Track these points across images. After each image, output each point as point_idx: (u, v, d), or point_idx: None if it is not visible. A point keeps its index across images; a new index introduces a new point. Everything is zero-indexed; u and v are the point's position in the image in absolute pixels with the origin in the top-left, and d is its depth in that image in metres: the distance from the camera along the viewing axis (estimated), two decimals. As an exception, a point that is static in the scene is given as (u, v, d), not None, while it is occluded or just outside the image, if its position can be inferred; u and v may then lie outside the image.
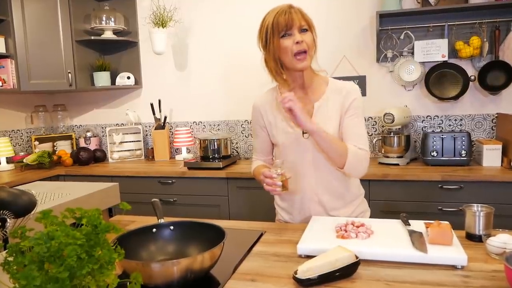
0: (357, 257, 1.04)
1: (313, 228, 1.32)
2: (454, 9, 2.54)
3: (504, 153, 2.39)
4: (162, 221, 1.23)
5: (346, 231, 1.24)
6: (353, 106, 1.44)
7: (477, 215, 1.24)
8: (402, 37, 2.69)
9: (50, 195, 1.36)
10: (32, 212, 1.00)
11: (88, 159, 3.09)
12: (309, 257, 1.15)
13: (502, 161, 2.39)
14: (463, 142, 2.43)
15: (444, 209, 2.28)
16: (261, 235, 1.37)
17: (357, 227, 1.26)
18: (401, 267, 1.08)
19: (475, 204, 1.29)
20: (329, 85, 1.48)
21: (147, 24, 3.05)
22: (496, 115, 2.61)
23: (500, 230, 1.19)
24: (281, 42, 1.36)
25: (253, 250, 1.24)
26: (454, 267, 1.06)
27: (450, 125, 2.75)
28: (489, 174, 2.23)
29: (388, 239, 1.20)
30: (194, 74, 3.24)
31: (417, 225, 1.30)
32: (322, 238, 1.23)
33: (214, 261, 1.02)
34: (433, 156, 2.48)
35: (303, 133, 1.45)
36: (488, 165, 2.41)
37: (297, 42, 1.33)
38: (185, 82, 3.26)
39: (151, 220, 1.34)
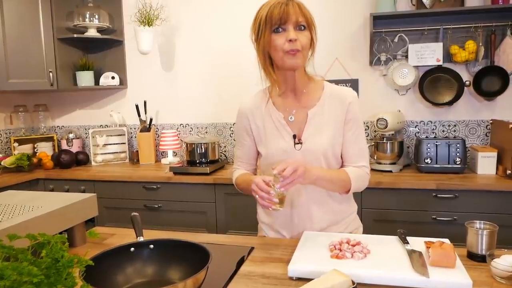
0: (354, 283, 0.95)
1: (305, 245, 1.23)
2: (449, 12, 2.48)
3: (499, 160, 2.33)
4: (141, 239, 1.13)
5: (341, 250, 1.15)
6: (353, 118, 1.33)
7: (480, 234, 1.16)
8: (396, 40, 2.62)
9: (20, 207, 1.25)
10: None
11: (70, 162, 2.96)
12: (301, 279, 1.06)
13: (497, 169, 2.33)
14: (458, 149, 2.37)
15: (438, 218, 2.21)
16: (249, 251, 1.28)
17: (353, 245, 1.17)
18: (401, 292, 1.00)
19: (477, 221, 1.22)
20: (325, 90, 1.35)
21: (132, 22, 2.93)
22: (491, 121, 2.55)
23: (505, 250, 1.12)
24: (273, 37, 1.22)
25: (241, 271, 1.14)
26: (458, 293, 0.98)
27: (443, 131, 2.69)
28: (484, 182, 2.17)
29: (386, 260, 1.11)
30: (181, 74, 3.12)
31: (416, 243, 1.22)
32: (315, 257, 1.14)
33: (197, 287, 0.93)
34: (427, 163, 2.41)
35: (294, 143, 1.33)
36: (483, 173, 2.35)
37: (290, 40, 1.19)
38: (172, 83, 3.15)
39: (131, 234, 1.23)
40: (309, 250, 1.19)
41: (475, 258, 1.17)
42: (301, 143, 1.32)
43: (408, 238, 1.24)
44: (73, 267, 0.62)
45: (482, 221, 1.21)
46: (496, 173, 2.33)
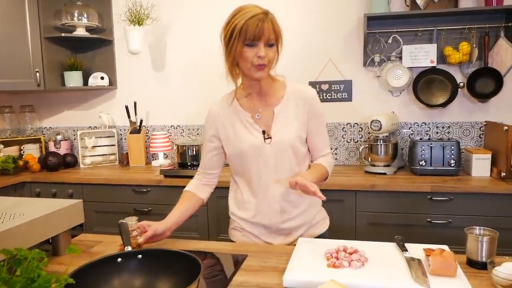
0: (352, 294, 0.91)
1: (300, 253, 1.19)
2: (443, 13, 2.46)
3: (493, 162, 2.32)
4: (129, 248, 1.08)
5: (337, 258, 1.11)
6: (315, 112, 1.42)
7: (480, 240, 1.13)
8: (390, 41, 2.60)
9: (0, 215, 1.19)
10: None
11: (58, 165, 2.89)
12: (296, 290, 1.02)
13: (491, 171, 2.32)
14: (452, 151, 2.35)
15: (433, 221, 2.19)
16: (243, 259, 1.23)
17: (350, 254, 1.13)
18: (401, 304, 0.96)
19: (477, 227, 1.19)
20: (287, 89, 1.44)
21: (122, 22, 2.86)
22: (485, 123, 2.54)
23: (507, 257, 1.08)
24: (244, 49, 1.28)
25: (234, 281, 1.10)
26: (460, 304, 0.95)
27: (437, 133, 2.67)
28: (479, 185, 2.15)
29: (385, 269, 1.08)
30: (173, 75, 3.06)
31: (414, 249, 1.18)
32: (311, 266, 1.10)
33: (188, 301, 0.88)
34: (421, 165, 2.38)
35: (265, 139, 1.38)
36: (477, 175, 2.33)
37: (259, 56, 1.27)
38: (162, 83, 3.09)
39: (119, 241, 1.18)
40: (304, 259, 1.15)
41: (475, 266, 1.14)
42: (270, 138, 1.38)
43: (407, 245, 1.20)
44: (50, 286, 0.57)
45: (481, 227, 1.18)
46: (491, 175, 2.31)
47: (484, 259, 1.13)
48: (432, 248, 1.13)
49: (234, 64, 1.34)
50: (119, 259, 1.02)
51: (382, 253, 1.17)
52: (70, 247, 0.67)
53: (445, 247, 1.18)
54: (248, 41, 1.26)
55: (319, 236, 1.48)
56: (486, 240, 1.13)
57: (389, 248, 1.22)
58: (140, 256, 1.03)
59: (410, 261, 1.10)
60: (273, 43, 1.29)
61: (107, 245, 1.39)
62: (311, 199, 1.44)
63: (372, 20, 2.54)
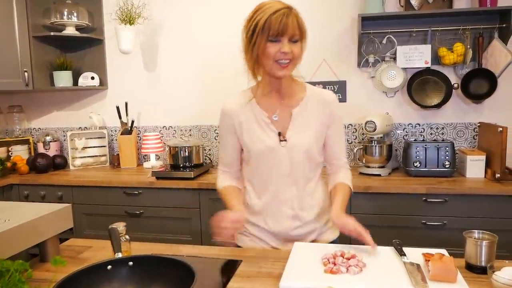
0: (351, 302, 0.88)
1: (296, 258, 1.16)
2: (437, 14, 2.45)
3: (487, 164, 2.31)
4: (119, 255, 1.04)
5: (335, 264, 1.08)
6: (336, 117, 1.40)
7: (479, 245, 1.11)
8: (384, 41, 2.58)
9: (-15, 221, 1.14)
10: None
11: (47, 166, 2.82)
12: (293, 297, 0.99)
13: (485, 172, 2.31)
14: (447, 152, 2.34)
15: (428, 223, 2.17)
16: (237, 264, 1.20)
17: (348, 259, 1.10)
18: (401, 311, 0.93)
19: (476, 231, 1.17)
20: (307, 91, 1.40)
21: (113, 21, 2.81)
22: (479, 124, 2.53)
23: (507, 262, 1.06)
24: (267, 46, 1.22)
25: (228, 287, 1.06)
26: (461, 311, 0.92)
27: (431, 134, 2.66)
28: (474, 186, 2.14)
29: (384, 274, 1.05)
30: (165, 75, 3.02)
31: (412, 253, 1.16)
32: (308, 272, 1.07)
33: (181, 310, 0.84)
34: (416, 166, 2.37)
35: (280, 141, 1.33)
36: (472, 176, 2.32)
37: (283, 52, 1.21)
38: (154, 84, 3.04)
39: (110, 247, 1.14)
40: (301, 264, 1.12)
41: (474, 270, 1.12)
42: (285, 140, 1.34)
43: (405, 249, 1.18)
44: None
45: (480, 231, 1.16)
46: (485, 177, 2.31)
47: (483, 264, 1.11)
48: (431, 253, 1.11)
49: (255, 61, 1.28)
50: (109, 267, 0.98)
51: (380, 258, 1.14)
52: (56, 259, 0.63)
53: (444, 251, 1.16)
54: (271, 37, 1.21)
55: (330, 243, 1.41)
56: (486, 244, 1.11)
57: (387, 252, 1.19)
58: (131, 263, 1.00)
59: (409, 266, 1.08)
60: (297, 39, 1.23)
61: (97, 250, 1.34)
62: (323, 205, 1.42)
63: (366, 21, 2.52)
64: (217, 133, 2.96)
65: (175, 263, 0.97)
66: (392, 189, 2.20)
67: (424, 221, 2.18)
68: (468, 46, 2.46)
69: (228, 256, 1.28)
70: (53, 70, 2.97)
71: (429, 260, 1.05)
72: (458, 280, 1.00)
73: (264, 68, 1.29)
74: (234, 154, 1.44)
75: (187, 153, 2.61)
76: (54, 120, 3.26)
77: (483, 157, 2.30)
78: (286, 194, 1.36)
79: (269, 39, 1.21)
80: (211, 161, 2.91)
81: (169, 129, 3.06)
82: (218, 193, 1.46)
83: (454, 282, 0.99)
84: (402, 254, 1.15)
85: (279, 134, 1.34)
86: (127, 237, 1.21)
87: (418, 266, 1.08)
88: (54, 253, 1.23)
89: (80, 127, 3.21)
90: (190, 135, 3.01)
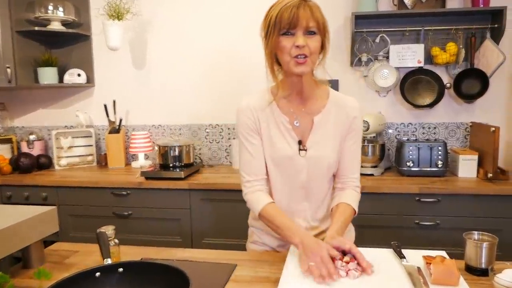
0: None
1: (293, 262, 1.11)
2: (430, 13, 2.44)
3: (479, 163, 2.31)
4: (109, 261, 0.98)
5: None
6: (356, 129, 1.29)
7: (479, 246, 1.09)
8: (377, 40, 2.56)
9: (-36, 225, 1.07)
10: None
11: (31, 166, 2.73)
12: (292, 304, 0.95)
13: (477, 172, 2.31)
14: (440, 152, 2.33)
15: (421, 223, 2.16)
16: (232, 269, 1.15)
17: (347, 262, 1.06)
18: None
19: (476, 232, 1.14)
20: (330, 98, 1.28)
21: (101, 16, 2.73)
22: (470, 124, 2.53)
23: (508, 263, 1.04)
24: (280, 40, 1.14)
25: (223, 294, 1.02)
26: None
27: (423, 133, 2.65)
28: (467, 186, 2.14)
29: (384, 278, 1.02)
30: (154, 73, 2.95)
31: (412, 256, 1.13)
32: (306, 277, 1.03)
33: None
34: (408, 166, 2.36)
35: (299, 149, 1.24)
36: (464, 175, 2.32)
37: (298, 46, 1.12)
38: (143, 81, 2.97)
39: (98, 251, 1.08)
40: (298, 269, 1.08)
41: (474, 272, 1.10)
42: (305, 150, 1.25)
43: (404, 251, 1.15)
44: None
45: (480, 232, 1.14)
46: (477, 176, 2.30)
47: (483, 266, 1.09)
48: (432, 256, 1.08)
49: (273, 59, 1.20)
50: (98, 274, 0.93)
51: (379, 261, 1.11)
52: (40, 271, 0.58)
53: (443, 253, 1.13)
54: (283, 30, 1.13)
55: None
56: (486, 246, 1.09)
57: (386, 255, 1.16)
58: (121, 269, 0.94)
59: (410, 269, 1.05)
60: (314, 31, 1.13)
61: (85, 255, 1.29)
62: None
63: (359, 19, 2.50)
64: (207, 132, 2.91)
65: (168, 269, 0.92)
66: (385, 189, 2.18)
67: (417, 221, 2.17)
68: (461, 46, 2.45)
69: (221, 259, 1.23)
70: (38, 67, 2.87)
71: (430, 263, 1.03)
72: (460, 283, 0.97)
73: (282, 66, 1.20)
74: (262, 158, 1.28)
75: (177, 153, 2.55)
76: (39, 119, 3.16)
77: (476, 157, 2.30)
78: (300, 206, 1.30)
79: (281, 33, 1.13)
80: (201, 160, 2.85)
81: (158, 128, 2.99)
82: (259, 216, 1.25)
83: (457, 286, 0.96)
84: (401, 256, 1.12)
85: (299, 142, 1.26)
86: (116, 241, 1.15)
87: (418, 269, 1.05)
88: (38, 258, 1.17)
89: (66, 126, 3.12)
90: (180, 134, 2.95)
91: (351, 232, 1.44)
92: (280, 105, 1.27)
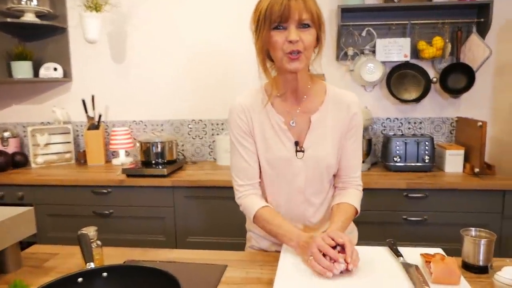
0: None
1: (286, 263, 1.06)
2: (416, 7, 2.42)
3: (466, 158, 2.31)
4: (91, 265, 0.91)
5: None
6: (356, 125, 1.22)
7: (477, 243, 1.06)
8: (363, 34, 2.53)
9: None
10: None
11: (5, 165, 2.60)
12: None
13: (464, 167, 2.31)
14: (427, 147, 2.32)
15: (409, 218, 2.15)
16: (222, 270, 1.10)
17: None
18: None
19: (473, 229, 1.12)
20: (328, 94, 1.21)
21: (77, 7, 2.62)
22: (456, 118, 2.54)
23: (508, 260, 1.02)
24: (271, 35, 1.06)
25: (215, 298, 0.96)
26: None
27: (409, 128, 2.65)
28: (454, 181, 2.14)
29: (382, 277, 0.98)
30: (134, 67, 2.85)
31: (409, 253, 1.10)
32: (301, 279, 0.98)
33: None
34: (395, 161, 2.34)
35: (296, 151, 1.18)
36: (451, 171, 2.32)
37: (290, 41, 1.04)
38: (123, 75, 2.87)
39: (79, 253, 1.00)
40: (292, 269, 1.03)
41: (471, 269, 1.08)
42: (302, 151, 1.19)
43: (400, 249, 1.12)
44: None
45: (477, 229, 1.12)
46: (463, 171, 2.31)
47: (481, 263, 1.07)
48: (430, 254, 1.05)
49: (265, 55, 1.12)
50: (80, 279, 0.85)
51: (375, 260, 1.07)
52: (15, 284, 0.51)
53: (440, 250, 1.11)
54: (274, 24, 1.05)
55: None
56: (484, 243, 1.06)
57: (382, 253, 1.13)
58: (105, 274, 0.87)
59: (407, 267, 1.01)
60: (307, 23, 1.05)
61: (65, 257, 1.21)
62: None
63: (346, 12, 2.46)
64: (190, 128, 2.83)
65: (156, 272, 0.86)
66: (372, 184, 2.15)
67: (405, 217, 2.15)
68: (447, 40, 2.45)
69: (210, 260, 1.17)
70: (11, 60, 2.73)
71: (429, 262, 0.99)
72: (461, 282, 0.94)
73: (275, 62, 1.13)
74: (255, 161, 1.22)
75: (159, 149, 2.47)
76: (13, 115, 3.02)
77: (462, 152, 2.30)
78: (299, 209, 1.24)
79: (272, 27, 1.05)
80: (184, 157, 2.77)
81: (139, 123, 2.90)
82: (253, 219, 1.20)
83: (458, 284, 0.93)
84: (398, 254, 1.09)
85: (296, 143, 1.19)
86: (98, 242, 1.08)
87: (416, 267, 1.02)
88: (15, 262, 1.09)
89: (42, 122, 2.99)
90: (162, 130, 2.86)
91: (353, 233, 1.39)
92: (275, 104, 1.20)
